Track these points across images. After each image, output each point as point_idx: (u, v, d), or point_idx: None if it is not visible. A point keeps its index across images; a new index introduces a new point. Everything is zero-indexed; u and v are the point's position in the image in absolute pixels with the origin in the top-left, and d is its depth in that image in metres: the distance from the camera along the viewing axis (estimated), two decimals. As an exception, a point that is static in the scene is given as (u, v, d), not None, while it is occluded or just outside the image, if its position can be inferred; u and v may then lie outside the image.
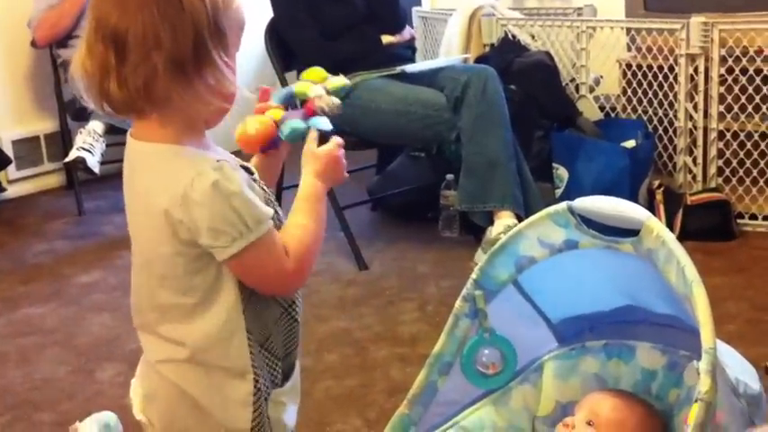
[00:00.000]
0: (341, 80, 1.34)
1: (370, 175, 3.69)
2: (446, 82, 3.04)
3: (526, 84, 3.26)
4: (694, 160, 3.25)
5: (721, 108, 3.16)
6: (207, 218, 1.09)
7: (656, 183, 3.17)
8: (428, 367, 1.48)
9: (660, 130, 3.32)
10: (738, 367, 1.39)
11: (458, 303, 1.48)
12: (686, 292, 1.20)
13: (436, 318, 2.53)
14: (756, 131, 3.14)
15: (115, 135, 3.44)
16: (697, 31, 3.13)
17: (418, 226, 3.34)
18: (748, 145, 3.15)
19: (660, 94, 3.29)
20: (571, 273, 1.46)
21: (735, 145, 3.17)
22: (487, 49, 3.58)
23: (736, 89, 3.12)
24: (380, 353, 2.37)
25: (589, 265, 1.43)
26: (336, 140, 1.27)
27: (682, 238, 2.92)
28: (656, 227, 1.29)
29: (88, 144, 3.43)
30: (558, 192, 3.22)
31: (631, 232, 1.33)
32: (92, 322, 2.66)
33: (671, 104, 3.26)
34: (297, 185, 1.24)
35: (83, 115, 3.56)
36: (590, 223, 1.40)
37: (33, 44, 3.79)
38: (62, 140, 3.94)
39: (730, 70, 3.12)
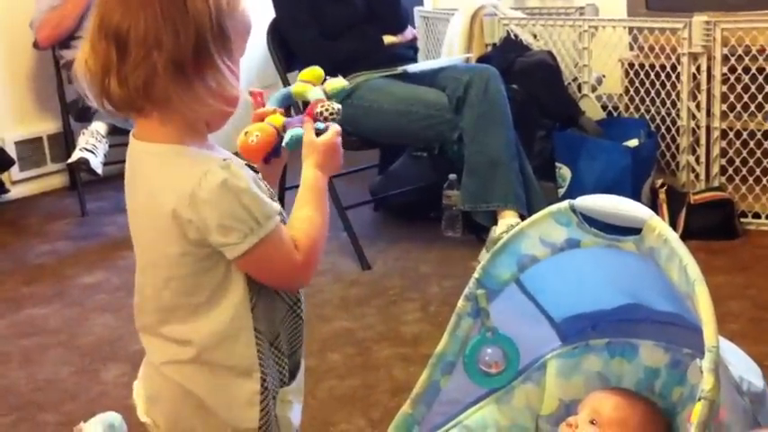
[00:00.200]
0: (340, 82, 1.33)
1: (373, 175, 3.69)
2: (448, 82, 3.04)
3: (528, 83, 3.26)
4: (697, 159, 3.25)
5: (724, 107, 3.16)
6: (217, 216, 1.09)
7: (659, 182, 3.17)
8: (431, 367, 1.48)
9: (663, 130, 3.32)
10: (742, 365, 1.38)
11: (460, 303, 1.48)
12: (688, 290, 1.20)
13: (439, 317, 2.53)
14: (759, 130, 3.14)
15: (118, 136, 3.44)
16: (699, 29, 3.13)
17: (421, 226, 3.34)
18: (751, 144, 3.14)
19: (663, 94, 3.29)
20: (573, 271, 1.45)
21: (737, 144, 3.17)
22: (489, 48, 3.58)
23: (739, 88, 3.11)
24: (383, 353, 2.37)
25: (591, 263, 1.43)
26: (335, 128, 1.27)
27: (685, 236, 2.92)
28: (658, 225, 1.28)
29: (91, 145, 3.43)
30: (561, 191, 3.21)
31: (633, 231, 1.33)
32: (95, 323, 2.67)
33: (673, 103, 3.26)
34: (299, 185, 1.24)
35: (85, 116, 3.57)
36: (592, 222, 1.40)
37: (36, 45, 3.79)
38: (65, 141, 3.94)
39: (733, 69, 3.12)
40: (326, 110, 1.26)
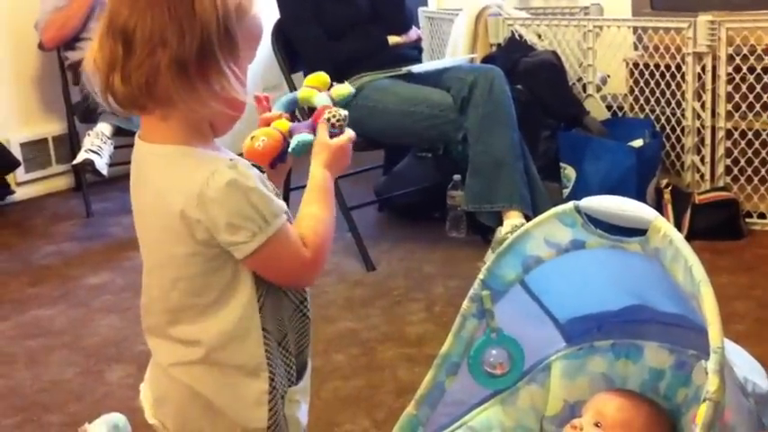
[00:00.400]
0: (346, 88, 1.33)
1: (377, 175, 3.69)
2: (452, 82, 3.04)
3: (533, 83, 3.26)
4: (702, 159, 3.25)
5: (729, 107, 3.16)
6: (225, 214, 1.10)
7: (664, 182, 3.17)
8: (435, 368, 1.48)
9: (668, 129, 3.32)
10: (747, 366, 1.38)
11: (465, 303, 1.48)
12: (693, 291, 1.20)
13: (443, 318, 2.53)
14: (764, 130, 3.13)
15: (123, 137, 3.45)
16: (704, 29, 3.12)
17: (425, 226, 3.34)
18: (756, 144, 3.14)
19: (667, 93, 3.28)
20: (578, 272, 1.45)
21: (743, 144, 3.16)
22: (494, 48, 3.58)
23: (744, 88, 3.11)
24: (388, 353, 2.37)
25: (596, 264, 1.43)
26: (350, 133, 1.28)
27: (690, 237, 2.92)
28: (663, 226, 1.28)
29: (96, 146, 3.43)
30: (566, 191, 3.21)
31: (638, 232, 1.33)
32: (100, 324, 2.67)
33: (678, 103, 3.25)
34: (304, 186, 1.25)
35: (91, 117, 3.58)
36: (597, 223, 1.40)
37: (41, 46, 3.80)
38: (70, 143, 3.95)
39: (738, 69, 3.11)
40: (334, 116, 1.26)
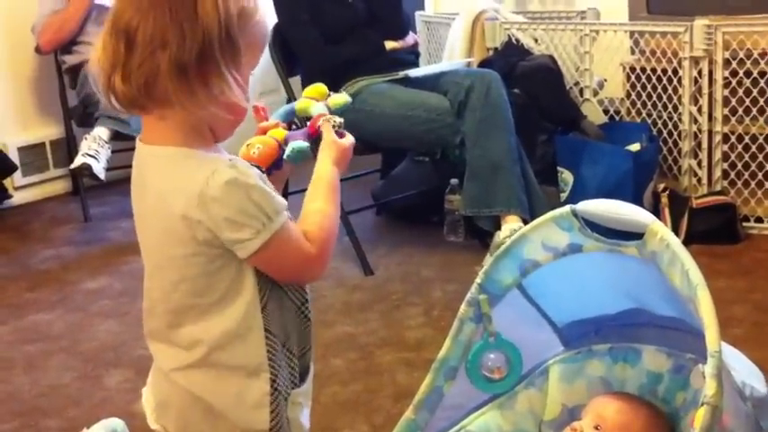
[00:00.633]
0: (342, 97, 1.35)
1: (375, 179, 3.69)
2: (449, 86, 3.05)
3: (530, 87, 3.26)
4: (699, 163, 3.25)
5: (726, 111, 3.16)
6: (227, 213, 1.10)
7: (662, 186, 3.17)
8: (434, 372, 1.48)
9: (665, 134, 3.32)
10: (745, 370, 1.39)
11: (462, 307, 1.48)
12: (690, 295, 1.20)
13: (441, 322, 2.53)
14: (761, 134, 3.14)
15: (120, 141, 3.45)
16: (700, 33, 3.13)
17: (423, 230, 3.34)
18: (753, 148, 3.14)
19: (664, 98, 3.29)
20: (575, 276, 1.46)
21: (740, 148, 3.16)
22: (491, 52, 3.58)
23: (741, 92, 3.11)
24: (386, 358, 2.37)
25: (593, 268, 1.43)
26: (351, 139, 1.30)
27: (687, 241, 2.93)
28: (659, 230, 1.29)
29: (93, 150, 3.43)
30: (564, 195, 3.22)
31: (635, 235, 1.33)
32: (98, 328, 2.67)
33: (675, 107, 3.26)
34: (304, 190, 1.25)
35: (88, 121, 3.57)
36: (594, 227, 1.41)
37: (38, 50, 3.80)
38: (67, 147, 3.95)
39: (734, 73, 3.11)
40: (329, 123, 1.27)
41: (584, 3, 3.99)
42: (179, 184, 1.12)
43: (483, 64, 3.44)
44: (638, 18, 3.42)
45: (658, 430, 1.44)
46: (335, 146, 1.27)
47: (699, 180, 3.26)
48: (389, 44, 3.25)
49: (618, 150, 3.15)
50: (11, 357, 2.51)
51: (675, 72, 3.22)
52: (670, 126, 3.30)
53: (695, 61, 3.17)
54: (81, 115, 3.67)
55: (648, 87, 3.33)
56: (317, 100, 1.34)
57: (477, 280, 1.48)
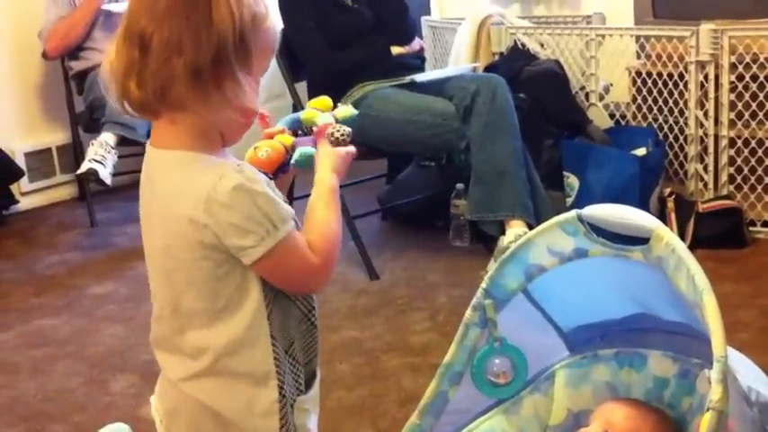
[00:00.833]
0: (349, 110, 1.36)
1: (381, 184, 3.69)
2: (455, 91, 3.05)
3: (535, 92, 3.26)
4: (705, 168, 3.25)
5: (732, 115, 3.16)
6: (233, 218, 1.10)
7: (668, 190, 3.16)
8: (439, 377, 1.48)
9: (671, 138, 3.32)
10: (751, 375, 1.38)
11: (468, 312, 1.48)
12: (696, 300, 1.20)
13: (447, 327, 2.53)
14: (767, 138, 3.13)
15: (127, 147, 3.46)
16: (707, 37, 3.12)
17: (428, 235, 3.34)
18: (759, 152, 3.14)
19: (670, 102, 3.28)
20: (581, 281, 1.45)
21: (746, 152, 3.16)
22: (496, 57, 3.59)
23: (747, 96, 3.11)
24: (392, 362, 2.37)
25: (599, 273, 1.43)
26: (351, 148, 1.30)
27: (693, 245, 2.92)
28: (665, 235, 1.28)
29: (100, 156, 3.44)
30: (569, 200, 3.21)
31: (641, 240, 1.33)
32: (104, 333, 2.67)
33: (681, 112, 3.25)
34: (308, 195, 1.25)
35: (94, 127, 3.59)
36: (599, 231, 1.40)
37: (44, 56, 3.81)
38: (74, 152, 3.96)
39: (740, 77, 3.11)
40: (338, 131, 1.29)
41: (589, 7, 4.00)
42: (187, 187, 1.12)
43: (489, 69, 3.44)
44: (644, 22, 3.42)
45: (666, 436, 1.43)
46: (335, 153, 1.27)
47: (705, 184, 3.25)
48: (395, 49, 3.26)
49: (624, 155, 3.15)
50: (17, 362, 2.51)
51: (681, 76, 3.22)
52: (676, 130, 3.29)
53: (701, 65, 3.17)
54: (87, 121, 3.69)
55: (654, 92, 3.33)
56: (322, 111, 1.35)
57: (483, 285, 1.48)
